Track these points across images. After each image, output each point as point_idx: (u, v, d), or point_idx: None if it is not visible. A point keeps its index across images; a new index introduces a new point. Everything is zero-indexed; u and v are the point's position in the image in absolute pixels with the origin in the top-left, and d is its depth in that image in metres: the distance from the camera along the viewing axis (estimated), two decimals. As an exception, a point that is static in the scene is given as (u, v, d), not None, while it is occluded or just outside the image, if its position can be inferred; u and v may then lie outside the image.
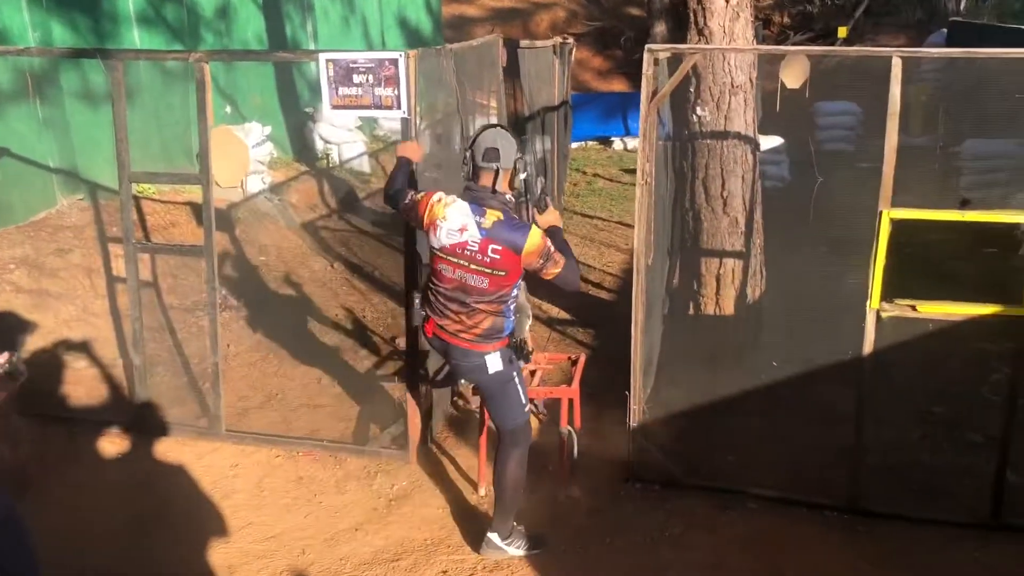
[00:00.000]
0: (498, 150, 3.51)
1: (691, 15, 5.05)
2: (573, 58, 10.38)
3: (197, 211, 8.06)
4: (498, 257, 3.45)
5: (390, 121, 12.22)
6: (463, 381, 4.19)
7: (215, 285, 4.82)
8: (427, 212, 3.61)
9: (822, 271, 5.96)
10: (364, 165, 11.06)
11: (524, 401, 3.79)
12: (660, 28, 18.52)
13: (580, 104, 12.64)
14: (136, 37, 8.20)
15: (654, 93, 4.10)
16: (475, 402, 4.72)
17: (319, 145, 10.75)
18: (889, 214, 3.92)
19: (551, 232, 3.64)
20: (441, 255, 3.58)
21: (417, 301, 3.87)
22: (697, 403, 4.99)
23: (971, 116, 9.48)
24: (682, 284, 5.53)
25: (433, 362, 4.90)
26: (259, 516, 4.30)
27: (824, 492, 4.38)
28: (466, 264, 3.51)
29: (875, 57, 4.10)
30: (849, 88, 10.44)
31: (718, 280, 5.45)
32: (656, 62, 4.11)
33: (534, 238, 3.46)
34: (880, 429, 4.74)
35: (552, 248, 3.51)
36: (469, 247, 3.48)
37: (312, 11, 11.33)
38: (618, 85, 15.98)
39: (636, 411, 4.46)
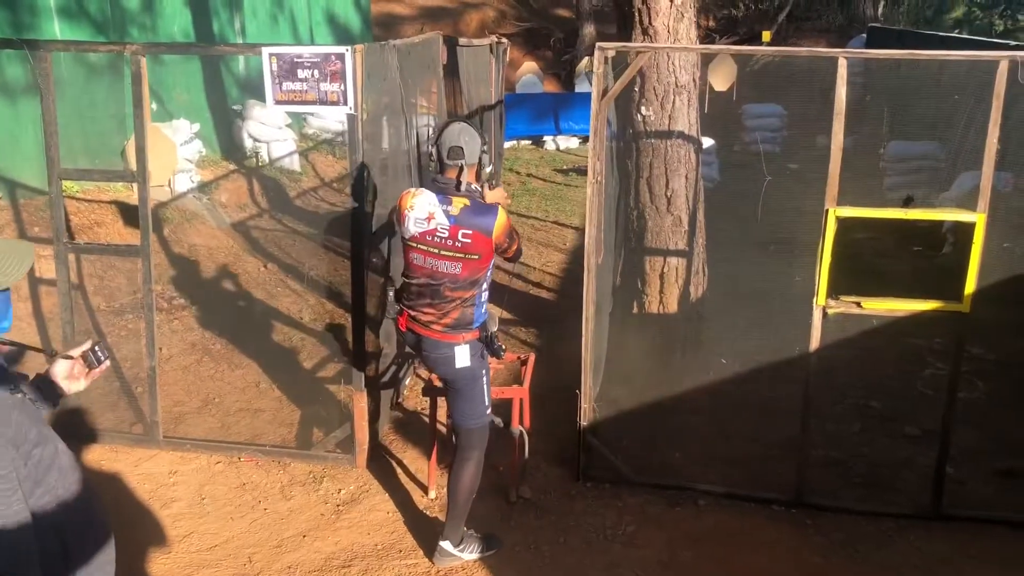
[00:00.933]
0: (462, 147, 3.52)
1: (636, 14, 5.07)
2: (507, 58, 10.35)
3: (123, 210, 7.80)
4: (469, 241, 3.48)
5: (319, 119, 12.10)
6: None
7: (151, 286, 4.64)
8: (401, 205, 3.64)
9: (763, 269, 6.05)
10: (295, 164, 10.85)
11: (488, 403, 3.75)
12: (589, 29, 18.78)
13: (512, 104, 12.62)
14: (57, 29, 7.87)
15: (604, 91, 4.09)
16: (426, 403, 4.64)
17: (248, 143, 10.50)
18: (835, 212, 3.98)
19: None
20: (411, 244, 3.60)
21: (391, 294, 3.82)
22: (645, 401, 5.01)
23: (895, 118, 9.77)
24: (627, 283, 5.55)
25: (381, 363, 4.82)
26: (201, 525, 4.16)
27: (771, 487, 4.44)
28: (436, 251, 3.53)
29: (821, 58, 4.17)
30: (787, 89, 10.68)
31: (662, 278, 5.48)
32: (607, 60, 4.10)
33: (501, 219, 3.51)
34: (823, 423, 4.84)
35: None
36: (438, 234, 3.50)
37: (240, 7, 11.06)
38: (548, 85, 16.01)
39: (586, 410, 4.45)
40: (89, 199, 7.83)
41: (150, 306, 4.64)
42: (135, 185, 8.11)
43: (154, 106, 9.27)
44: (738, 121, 12.88)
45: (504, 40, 9.72)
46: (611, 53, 4.23)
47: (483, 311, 3.69)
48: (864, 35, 15.29)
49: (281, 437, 4.97)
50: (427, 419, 4.99)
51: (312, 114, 12.06)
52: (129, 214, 7.77)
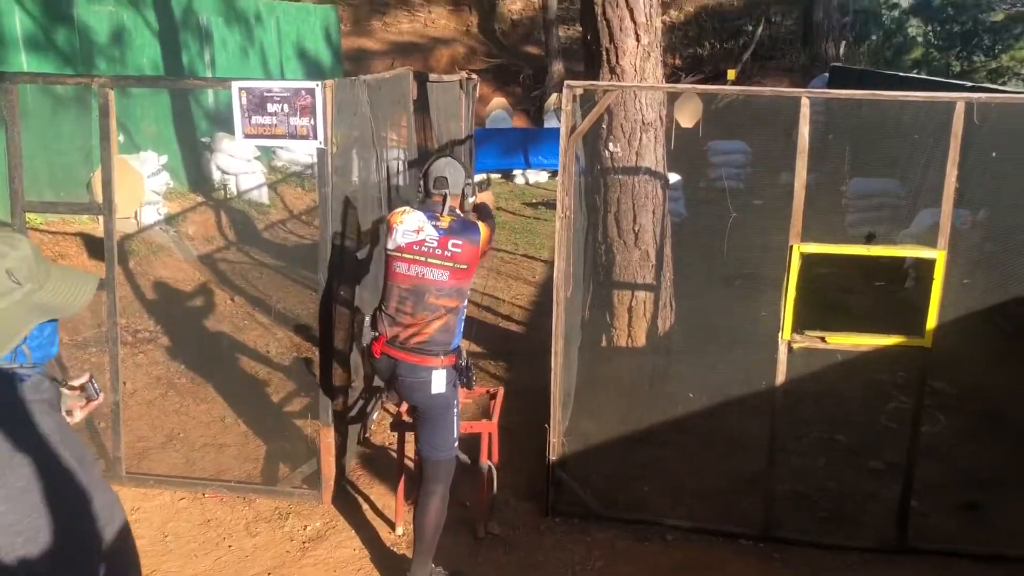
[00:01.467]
0: (447, 178, 3.79)
1: (603, 53, 5.15)
2: (477, 94, 10.44)
3: (88, 243, 7.73)
4: (459, 251, 3.68)
5: (288, 152, 12.11)
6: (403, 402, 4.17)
7: (116, 320, 4.59)
8: (391, 220, 3.83)
9: (729, 304, 6.12)
10: (263, 196, 10.83)
11: (456, 436, 3.76)
12: (557, 67, 19.00)
13: (482, 138, 12.72)
14: (24, 61, 7.84)
15: (573, 128, 4.14)
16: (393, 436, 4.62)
17: (216, 175, 10.48)
18: (799, 248, 4.05)
19: (483, 207, 4.02)
20: (396, 254, 3.74)
21: (367, 321, 3.86)
22: (613, 435, 5.02)
23: (856, 155, 9.98)
24: (595, 316, 5.58)
25: (348, 397, 4.79)
26: (165, 563, 4.08)
27: (738, 521, 4.45)
28: (423, 260, 3.69)
29: (785, 97, 4.25)
30: (751, 127, 10.86)
31: (630, 312, 5.52)
32: (575, 98, 4.16)
33: (484, 232, 3.78)
34: (789, 457, 4.88)
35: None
36: (427, 244, 3.70)
37: (210, 40, 11.10)
38: (518, 121, 16.16)
39: (555, 444, 4.45)
40: (53, 231, 7.76)
41: (115, 339, 4.58)
42: (100, 217, 8.09)
43: (121, 138, 9.22)
44: (704, 157, 13.07)
45: (474, 76, 9.81)
46: (579, 91, 4.29)
47: (462, 329, 3.77)
48: (826, 74, 15.63)
49: (246, 472, 4.91)
50: (394, 454, 4.97)
51: (282, 147, 12.09)
52: (94, 246, 7.70)
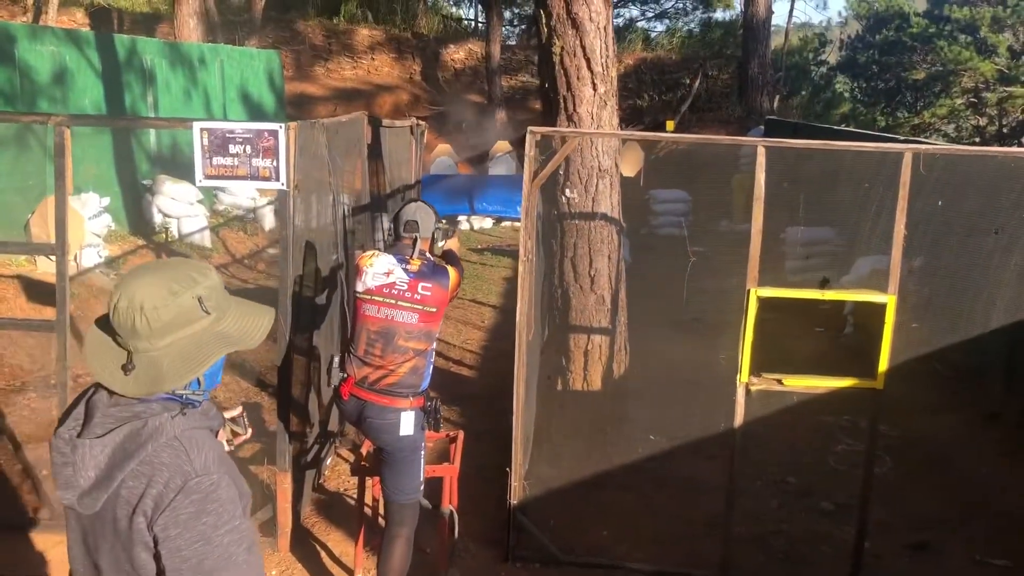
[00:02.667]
0: (417, 222, 3.81)
1: (561, 102, 5.25)
2: (425, 140, 10.52)
3: (27, 285, 7.52)
4: (428, 294, 3.69)
5: (230, 196, 11.99)
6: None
7: (67, 364, 4.45)
8: (359, 264, 3.83)
9: (678, 347, 6.21)
10: (205, 240, 10.69)
11: (422, 479, 3.73)
12: (500, 115, 19.21)
13: (428, 184, 12.77)
14: (-38, 99, 7.66)
15: (536, 173, 4.20)
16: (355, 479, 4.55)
17: (158, 218, 10.31)
18: (756, 292, 4.15)
19: (450, 253, 4.07)
20: (366, 297, 3.74)
21: (336, 362, 3.80)
22: (571, 479, 5.02)
23: (792, 204, 10.27)
24: (551, 360, 5.61)
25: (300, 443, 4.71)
26: (113, 616, 3.92)
27: (697, 563, 4.48)
28: (393, 302, 3.69)
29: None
30: (692, 176, 11.13)
31: (586, 355, 5.56)
32: (537, 144, 4.22)
33: (454, 276, 3.81)
34: (744, 500, 4.94)
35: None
36: (397, 287, 3.70)
37: (153, 82, 10.98)
38: (462, 168, 16.27)
39: (516, 488, 4.43)
40: (-11, 273, 7.53)
41: (64, 384, 4.44)
42: (39, 259, 7.88)
43: (61, 179, 9.04)
44: (646, 206, 13.33)
45: (422, 123, 9.90)
46: (538, 137, 4.36)
47: (430, 371, 3.76)
48: (762, 127, 16.14)
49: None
50: (350, 500, 4.89)
51: (223, 190, 11.97)
52: (32, 289, 7.48)
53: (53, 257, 7.98)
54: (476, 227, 13.87)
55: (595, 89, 5.20)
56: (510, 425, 5.84)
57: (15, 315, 6.86)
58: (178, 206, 10.37)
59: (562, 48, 5.14)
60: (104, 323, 1.82)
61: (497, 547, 4.56)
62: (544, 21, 5.18)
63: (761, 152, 4.08)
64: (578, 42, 5.10)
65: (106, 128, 9.77)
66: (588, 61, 5.13)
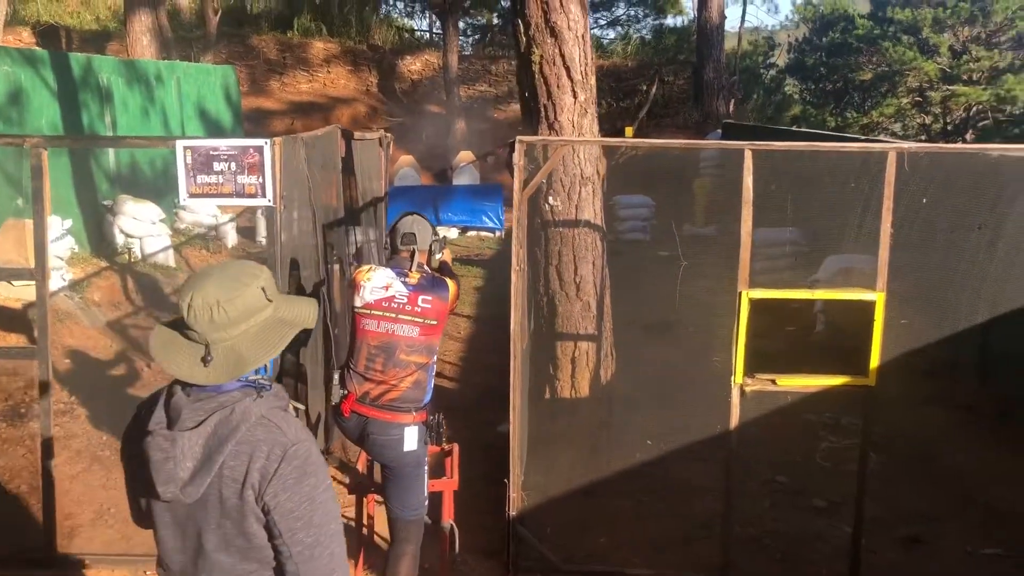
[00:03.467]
0: (415, 234, 3.79)
1: (542, 110, 5.25)
2: (391, 151, 10.47)
3: (-9, 311, 7.31)
4: (429, 307, 3.66)
5: (191, 214, 11.81)
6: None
7: (50, 391, 4.33)
8: (356, 278, 3.77)
9: (668, 351, 6.24)
10: (169, 259, 10.49)
11: (427, 494, 3.69)
12: (460, 125, 19.23)
13: (393, 196, 12.70)
14: (-85, 122, 7.43)
15: (525, 182, 4.19)
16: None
17: (119, 239, 10.10)
18: (748, 294, 4.17)
19: (444, 265, 4.04)
20: (364, 311, 3.69)
21: (336, 378, 3.75)
22: (566, 487, 5.01)
23: (763, 206, 10.38)
24: (538, 368, 5.59)
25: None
26: (111, 649, 3.82)
27: (697, 567, 4.49)
28: (393, 316, 3.66)
29: (730, 150, 4.41)
30: (654, 181, 11.20)
31: (573, 363, 5.56)
32: (525, 153, 4.21)
33: (453, 289, 3.80)
34: (738, 501, 4.96)
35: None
36: (396, 300, 3.67)
37: (111, 100, 10.78)
38: (425, 179, 16.23)
39: (515, 499, 4.40)
40: (-51, 300, 7.30)
41: (47, 411, 4.31)
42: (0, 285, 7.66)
43: (20, 202, 8.82)
44: (611, 211, 13.40)
45: (389, 134, 9.85)
46: (524, 147, 4.34)
47: (432, 384, 3.72)
48: (719, 131, 16.34)
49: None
50: (343, 520, 4.81)
51: (184, 208, 11.79)
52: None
53: (16, 282, 7.80)
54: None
55: (575, 97, 5.21)
56: (497, 436, 5.82)
57: (-20, 343, 6.66)
58: (140, 226, 10.17)
59: (541, 57, 5.14)
60: (170, 326, 1.99)
61: (496, 559, 4.52)
62: (523, 30, 5.17)
63: (748, 155, 4.11)
64: (557, 50, 5.11)
65: (63, 149, 9.56)
66: (568, 69, 5.14)
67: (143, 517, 2.09)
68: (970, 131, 27.94)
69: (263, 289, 1.98)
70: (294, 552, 1.93)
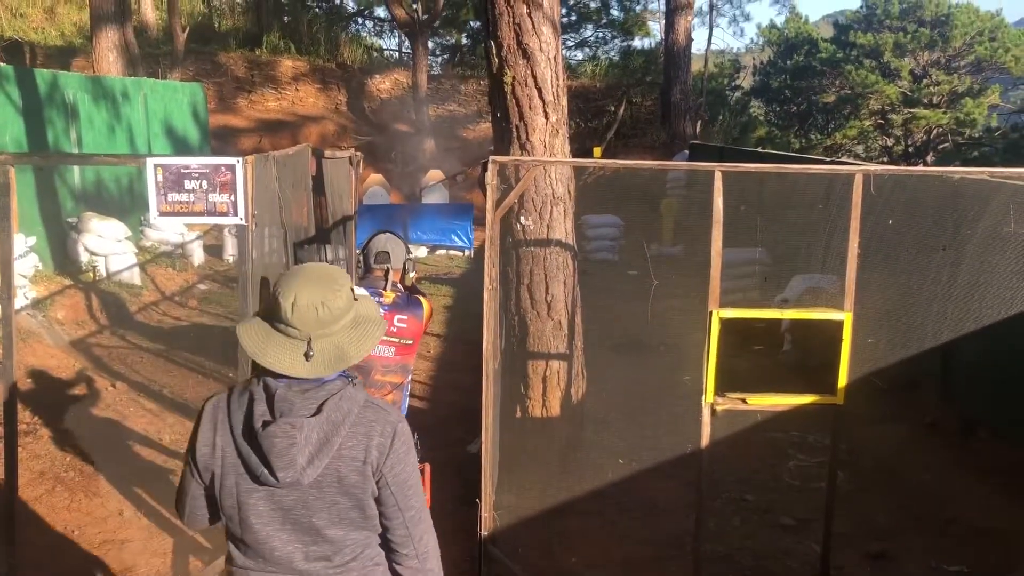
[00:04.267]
0: (388, 253, 3.85)
1: (513, 131, 5.28)
2: (361, 170, 10.46)
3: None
4: (404, 326, 3.69)
5: (157, 231, 11.71)
6: None
7: (15, 412, 4.25)
8: None
9: (638, 370, 6.27)
10: (135, 277, 10.39)
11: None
12: (429, 144, 19.26)
13: (363, 214, 12.68)
14: None
15: (498, 202, 4.21)
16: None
17: (84, 257, 9.99)
18: (719, 313, 4.22)
19: (414, 285, 4.07)
20: None
21: None
22: (538, 507, 5.02)
23: (731, 227, 10.49)
24: (509, 387, 5.59)
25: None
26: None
27: (667, 585, 4.51)
28: None
29: (700, 171, 4.47)
30: (622, 201, 11.30)
31: (544, 382, 5.57)
32: (498, 172, 4.23)
33: (427, 307, 3.85)
34: (708, 518, 4.99)
35: None
36: None
37: (76, 117, 10.68)
38: (394, 197, 16.22)
39: (487, 519, 4.39)
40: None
41: (13, 434, 4.23)
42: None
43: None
44: (579, 231, 13.47)
45: (359, 152, 9.84)
46: (497, 166, 4.36)
47: (407, 402, 3.72)
48: (687, 151, 16.52)
49: (155, 569, 4.60)
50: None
51: (150, 226, 11.68)
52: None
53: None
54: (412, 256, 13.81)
55: (547, 118, 5.25)
56: (468, 456, 5.82)
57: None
58: (105, 244, 10.08)
59: (513, 78, 5.18)
60: (263, 325, 2.15)
61: (467, 578, 4.51)
62: (495, 52, 5.21)
63: (718, 176, 4.17)
64: (529, 72, 5.16)
65: (26, 166, 9.44)
66: (540, 91, 5.18)
67: (203, 517, 2.29)
68: (931, 153, 28.49)
69: (351, 290, 2.20)
70: (407, 516, 2.21)
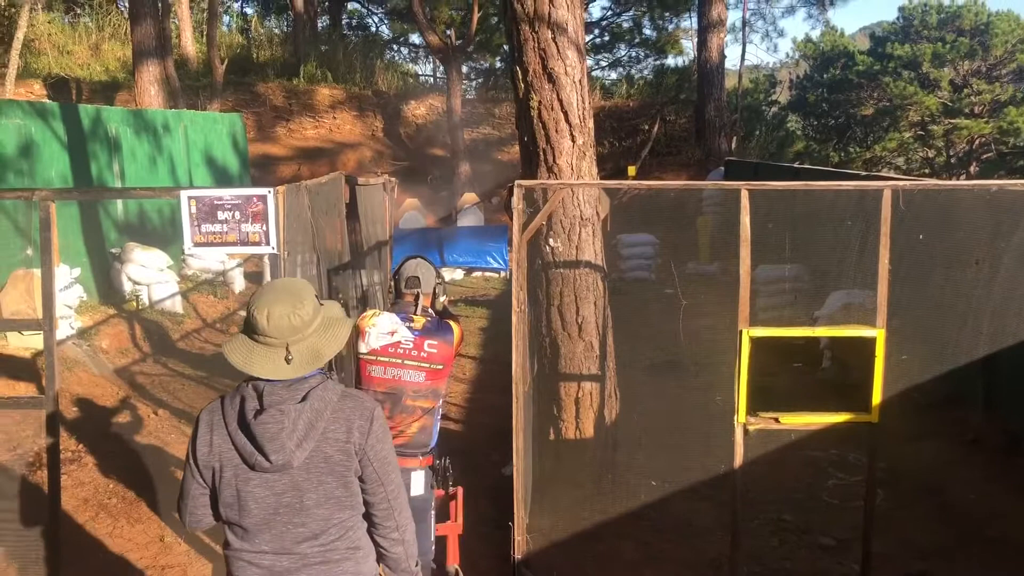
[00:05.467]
0: (419, 278, 3.84)
1: (541, 154, 5.32)
2: (395, 195, 10.58)
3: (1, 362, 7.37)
4: (435, 351, 3.69)
5: (199, 260, 11.91)
6: None
7: (58, 441, 4.36)
8: (360, 324, 3.77)
9: (672, 390, 6.24)
10: (177, 306, 10.57)
11: (433, 539, 3.69)
12: (464, 168, 19.41)
13: (398, 239, 12.81)
14: (-72, 176, 7.56)
15: (525, 225, 4.24)
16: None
17: (127, 287, 10.20)
18: (748, 332, 4.20)
19: (446, 309, 4.06)
20: (370, 358, 3.71)
21: None
22: (572, 530, 5.00)
23: (765, 244, 10.43)
24: (542, 409, 5.60)
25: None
26: None
27: (704, 607, 4.47)
28: (399, 361, 3.68)
29: (728, 190, 4.47)
30: (657, 220, 11.27)
31: (577, 403, 5.57)
32: (524, 197, 4.27)
33: (457, 332, 3.83)
34: (745, 539, 4.94)
35: None
36: (403, 345, 3.69)
37: (120, 150, 10.94)
38: (430, 221, 16.34)
39: (520, 542, 4.40)
40: (-39, 350, 7.37)
41: (56, 463, 4.34)
42: (9, 334, 7.73)
43: (29, 251, 8.92)
44: (614, 250, 13.45)
45: (393, 179, 9.96)
46: (522, 190, 4.40)
47: (438, 428, 3.73)
48: (722, 168, 16.44)
49: (195, 594, 4.67)
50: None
51: (192, 255, 11.89)
52: (5, 365, 7.34)
53: (26, 332, 7.86)
54: (448, 279, 13.88)
55: (574, 141, 5.28)
56: (503, 479, 5.82)
57: (-11, 392, 6.71)
58: (148, 273, 10.28)
59: (539, 102, 5.23)
60: (245, 340, 2.43)
61: (502, 603, 4.51)
62: (521, 76, 5.27)
63: (745, 195, 4.16)
64: (555, 96, 5.20)
65: (70, 200, 9.70)
66: (566, 114, 5.22)
67: (203, 517, 2.52)
68: (974, 164, 28.04)
69: (316, 297, 2.48)
70: (388, 490, 2.49)
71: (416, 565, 2.68)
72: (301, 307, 2.40)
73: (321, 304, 2.51)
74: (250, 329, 2.43)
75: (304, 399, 2.37)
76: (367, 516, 2.52)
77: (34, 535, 4.85)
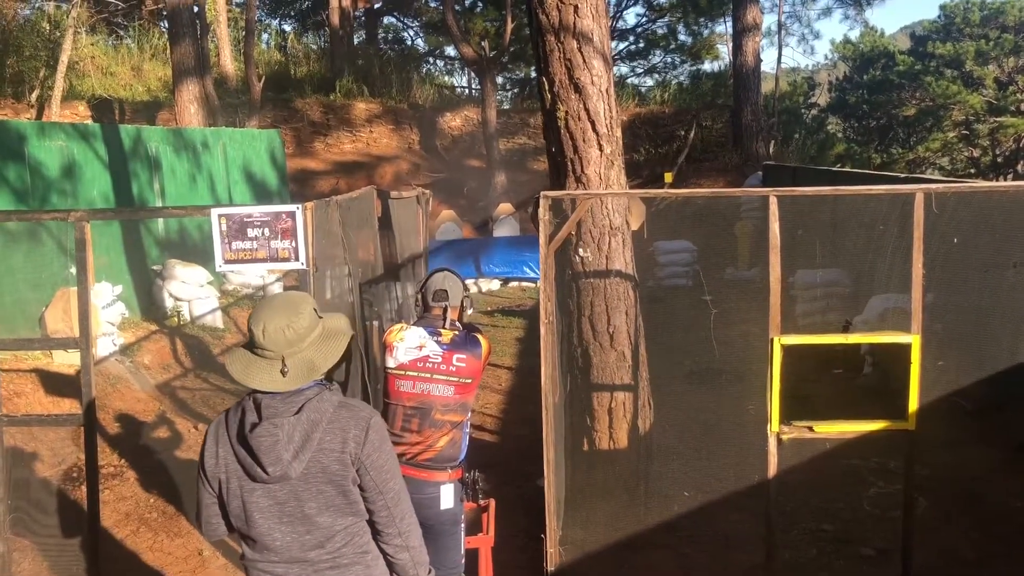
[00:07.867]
0: (446, 291, 3.83)
1: (568, 164, 5.32)
2: (430, 207, 10.64)
3: (45, 379, 7.52)
4: (464, 365, 3.68)
5: (239, 276, 12.06)
6: None
7: (95, 456, 4.44)
8: (388, 339, 3.79)
9: (707, 399, 6.18)
10: (217, 321, 10.72)
11: (463, 552, 3.69)
12: (500, 178, 19.43)
13: (434, 250, 12.86)
14: (-26, 198, 7.77)
15: (551, 236, 4.24)
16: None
17: (168, 303, 10.36)
18: (780, 340, 4.15)
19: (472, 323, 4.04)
20: (398, 372, 3.70)
21: None
22: (606, 541, 4.96)
23: (801, 249, 10.31)
24: (575, 420, 5.58)
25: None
26: None
27: (740, 620, 4.40)
28: (428, 376, 3.67)
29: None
30: (694, 226, 11.20)
31: (610, 414, 5.54)
32: (551, 207, 4.27)
33: (486, 346, 3.82)
34: (782, 550, 4.87)
35: None
36: (431, 360, 3.68)
37: (159, 168, 11.13)
38: (466, 232, 16.40)
39: (553, 555, 4.38)
40: (5, 368, 7.53)
41: (94, 480, 4.42)
42: (55, 352, 7.90)
43: (72, 270, 9.12)
44: (651, 258, 13.38)
45: (427, 191, 10.01)
46: (549, 201, 4.40)
47: (467, 442, 3.72)
48: (760, 172, 16.28)
49: (233, 607, 4.71)
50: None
51: (232, 270, 12.04)
52: (50, 382, 7.49)
53: (71, 349, 8.02)
54: (484, 289, 13.93)
55: (601, 150, 5.27)
56: (537, 490, 5.80)
57: (33, 409, 6.85)
58: (189, 289, 10.43)
59: (566, 112, 5.23)
60: (244, 353, 2.48)
61: (536, 615, 4.49)
62: (547, 87, 5.27)
63: (773, 201, 4.12)
64: (582, 106, 5.19)
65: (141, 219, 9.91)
66: (593, 123, 5.21)
67: (218, 526, 2.55)
68: (1021, 162, 27.43)
69: (314, 309, 2.52)
70: (387, 498, 2.51)
71: (429, 573, 2.68)
72: (297, 320, 2.44)
73: (321, 317, 2.54)
74: (249, 342, 2.48)
75: (300, 411, 2.39)
76: (370, 523, 2.55)
77: (74, 548, 4.95)
